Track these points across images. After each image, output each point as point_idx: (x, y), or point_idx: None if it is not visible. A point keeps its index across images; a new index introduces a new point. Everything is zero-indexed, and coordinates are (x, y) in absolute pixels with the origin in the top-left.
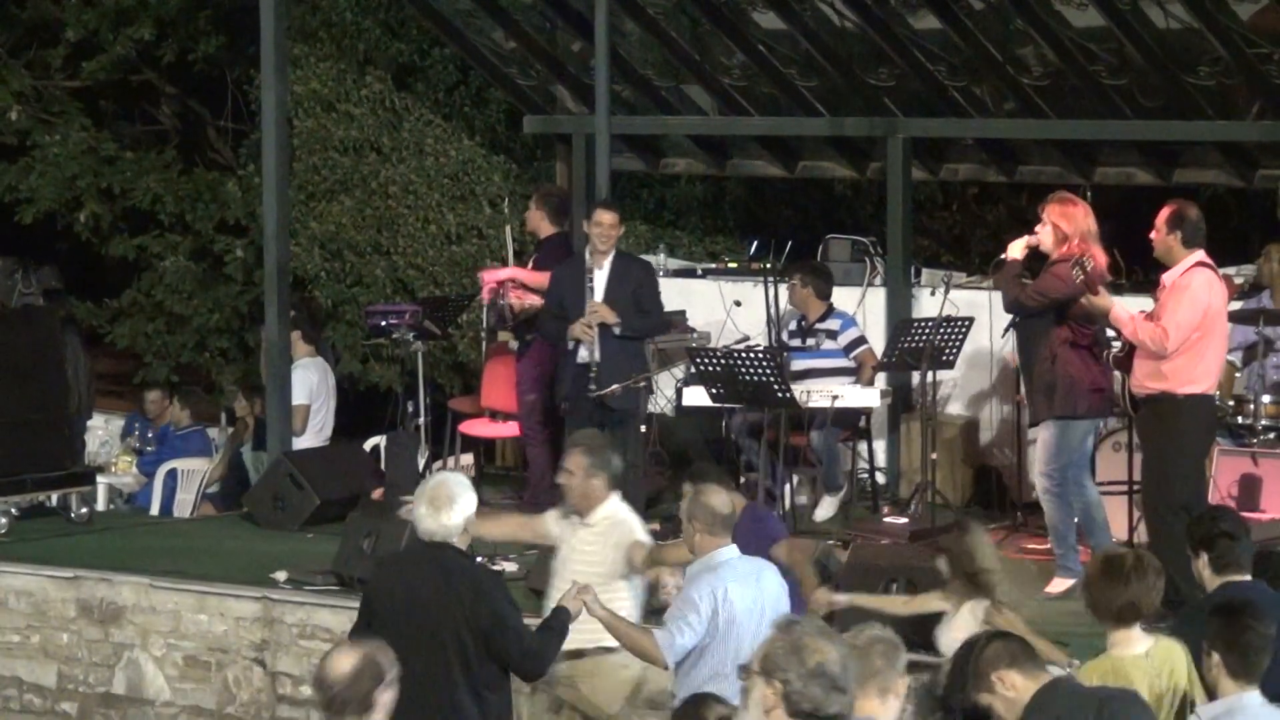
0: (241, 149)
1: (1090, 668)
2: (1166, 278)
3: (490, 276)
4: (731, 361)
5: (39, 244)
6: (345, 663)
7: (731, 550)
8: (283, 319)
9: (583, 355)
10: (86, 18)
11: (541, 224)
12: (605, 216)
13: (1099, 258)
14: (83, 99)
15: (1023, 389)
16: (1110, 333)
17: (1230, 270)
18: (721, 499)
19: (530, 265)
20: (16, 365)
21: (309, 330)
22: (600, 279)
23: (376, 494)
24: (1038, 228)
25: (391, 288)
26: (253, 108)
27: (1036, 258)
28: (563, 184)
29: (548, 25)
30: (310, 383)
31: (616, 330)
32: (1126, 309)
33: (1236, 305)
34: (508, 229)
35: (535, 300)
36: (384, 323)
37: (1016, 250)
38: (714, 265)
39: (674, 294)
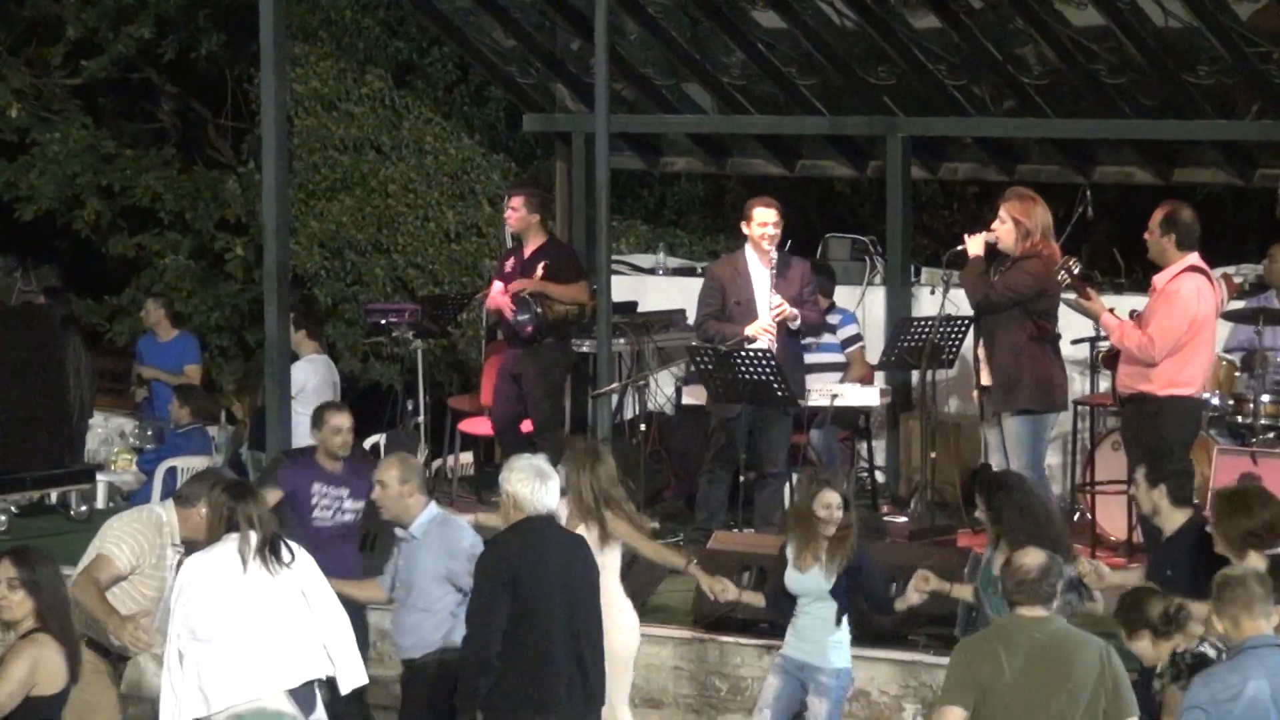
0: (241, 147)
1: None
2: (1158, 280)
3: (513, 289)
4: (731, 360)
5: (39, 242)
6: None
7: None
8: (282, 317)
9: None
10: (86, 16)
11: (534, 227)
12: (769, 215)
13: (1056, 254)
14: (82, 97)
15: (983, 381)
16: (1096, 332)
17: (1230, 269)
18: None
19: (540, 273)
20: (16, 363)
21: (313, 327)
22: (768, 278)
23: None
24: (994, 224)
25: (391, 286)
26: (253, 106)
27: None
28: (562, 182)
29: (547, 24)
30: (305, 380)
31: (794, 325)
32: (1115, 315)
33: (1239, 304)
34: (507, 227)
35: (561, 309)
36: (383, 321)
37: (976, 246)
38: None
39: (674, 292)
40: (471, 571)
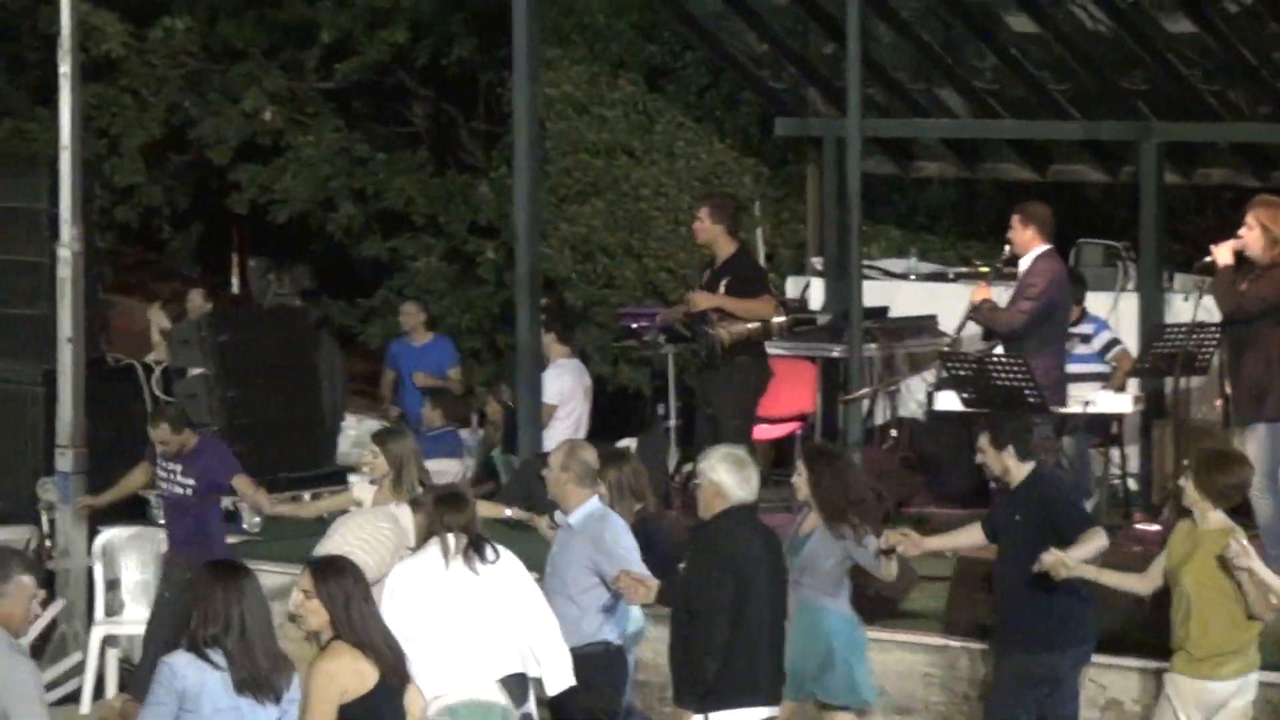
0: (494, 151)
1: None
2: None
3: (690, 307)
4: (984, 366)
5: (293, 245)
6: None
7: None
8: (533, 321)
9: None
10: (341, 20)
11: (720, 238)
12: None
13: None
14: (336, 100)
15: (1228, 389)
16: None
17: None
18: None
19: (723, 288)
20: (271, 364)
21: (563, 331)
22: None
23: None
24: (1242, 231)
25: (642, 290)
26: (505, 109)
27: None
28: (813, 186)
29: (799, 28)
30: (562, 384)
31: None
32: None
33: None
34: (759, 232)
35: (743, 327)
36: (634, 325)
37: (1224, 255)
38: (965, 269)
39: (925, 298)
40: (614, 568)
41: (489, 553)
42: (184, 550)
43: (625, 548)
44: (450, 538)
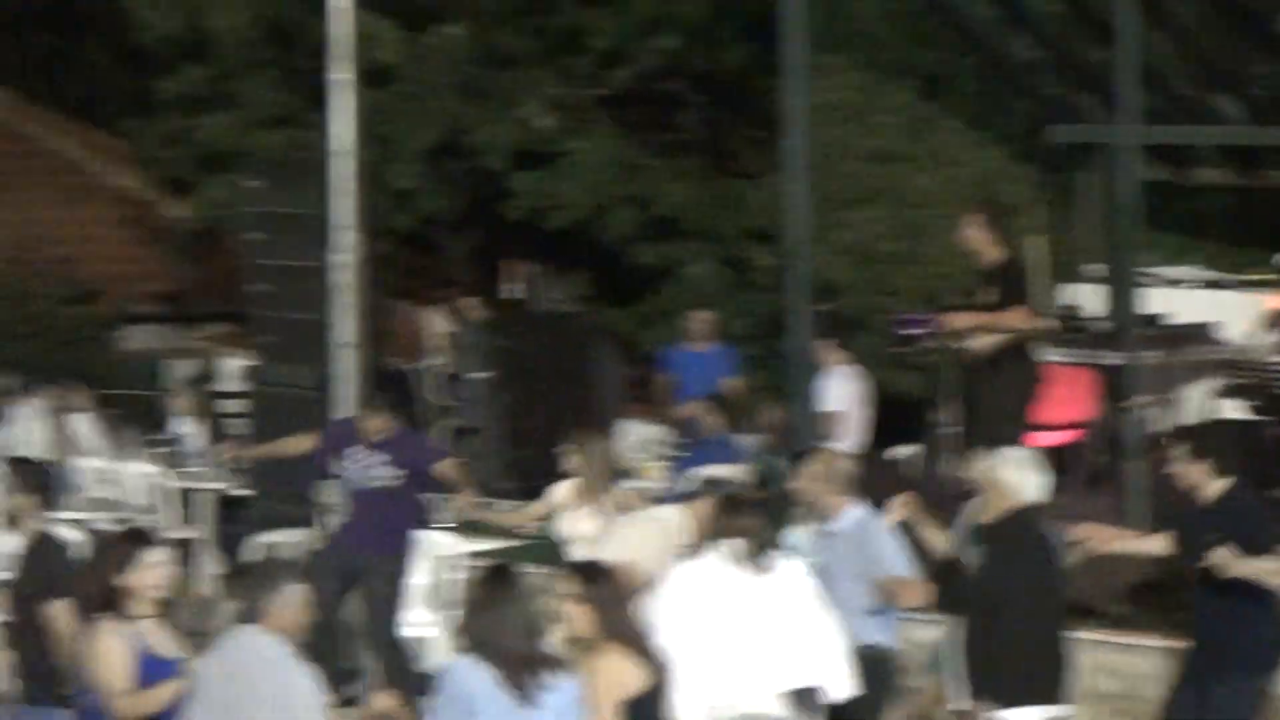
0: (767, 157)
1: None
2: None
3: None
4: (1266, 375)
5: (567, 250)
6: None
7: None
8: (808, 327)
9: None
10: (615, 27)
11: (989, 246)
12: None
13: None
14: (610, 107)
15: None
16: None
17: None
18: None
19: (991, 297)
20: (546, 370)
21: (840, 338)
22: None
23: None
24: None
25: (920, 297)
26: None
27: None
28: (1089, 193)
29: (1073, 34)
30: (845, 391)
31: None
32: None
33: None
34: (1032, 239)
35: (1001, 337)
36: (911, 332)
37: None
38: (1245, 277)
39: (1204, 305)
40: (882, 572)
41: (771, 559)
42: (376, 542)
43: (892, 551)
44: (733, 543)
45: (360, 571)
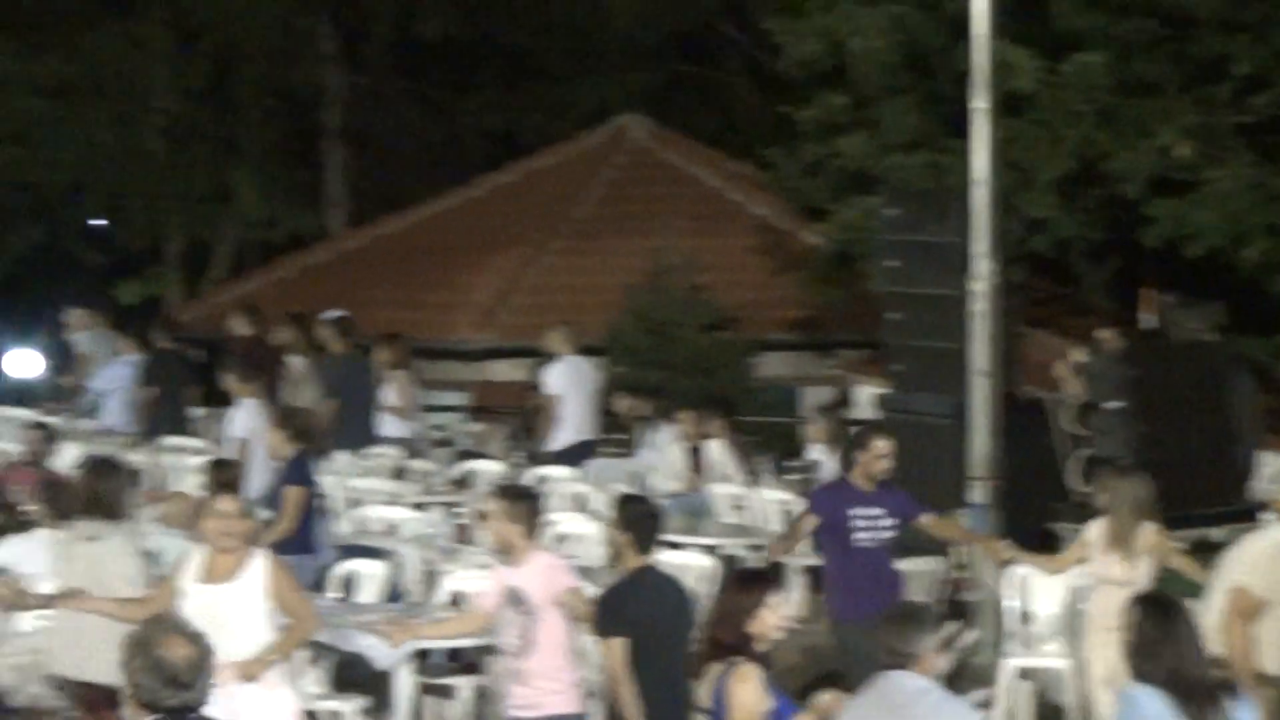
0: None
1: None
2: None
3: None
4: None
5: (1205, 280)
6: None
7: None
8: None
9: None
10: (1258, 51)
11: None
12: None
13: None
14: (1249, 134)
15: None
16: None
17: None
18: None
19: None
20: (1184, 400)
21: None
22: None
23: None
24: None
25: None
26: None
27: None
28: None
29: None
30: None
31: None
32: None
33: None
34: None
35: None
36: None
37: None
38: None
39: None
40: None
41: None
42: (875, 603)
43: None
44: None
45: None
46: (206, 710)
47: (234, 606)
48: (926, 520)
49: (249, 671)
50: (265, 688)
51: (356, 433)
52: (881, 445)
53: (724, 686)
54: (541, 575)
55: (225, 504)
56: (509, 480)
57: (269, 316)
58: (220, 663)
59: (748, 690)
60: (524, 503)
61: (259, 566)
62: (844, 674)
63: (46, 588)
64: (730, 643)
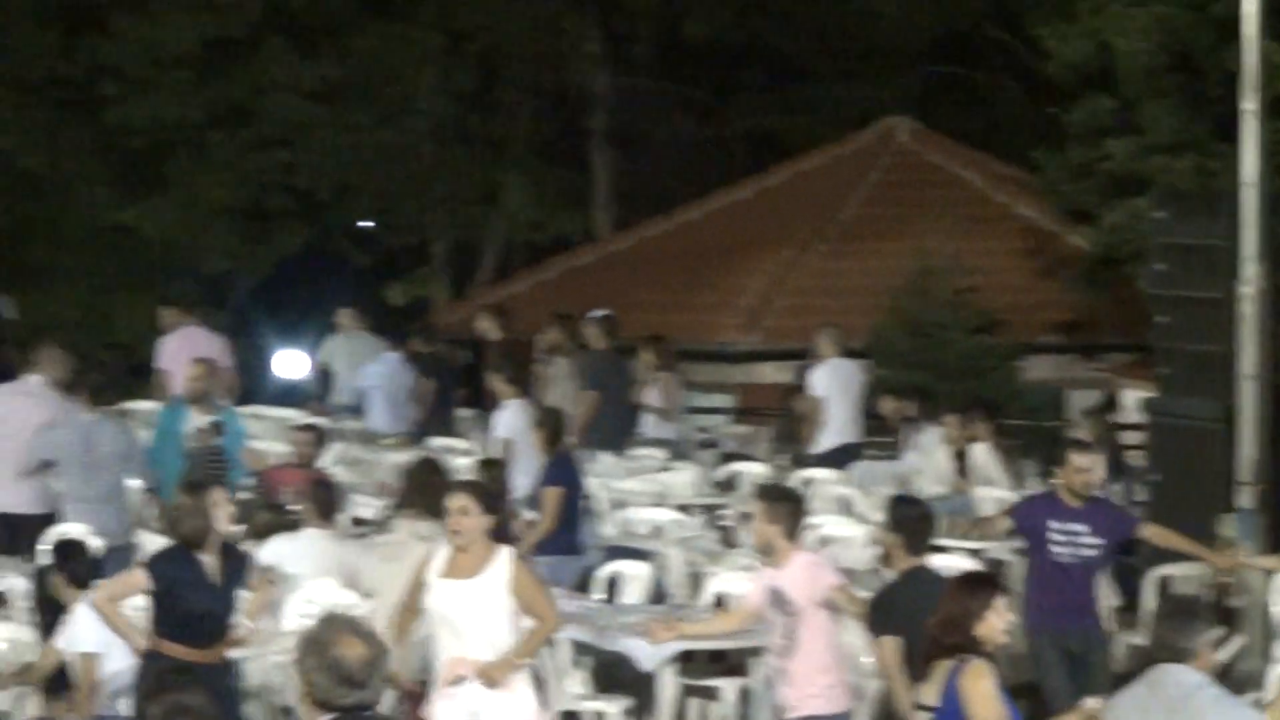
0: None
1: None
2: None
3: None
4: None
5: None
6: None
7: None
8: None
9: None
10: None
11: None
12: None
13: None
14: None
15: None
16: None
17: None
18: None
19: None
20: None
21: None
22: None
23: None
24: None
25: None
26: None
27: None
28: None
29: None
30: None
31: None
32: None
33: None
34: None
35: None
36: None
37: None
38: None
39: None
40: None
41: None
42: (1062, 619)
43: None
44: None
45: (1074, 647)
46: (381, 709)
47: (476, 602)
48: (1148, 532)
49: (492, 675)
50: (509, 689)
51: (610, 430)
52: (1080, 460)
53: (955, 684)
54: (803, 575)
55: (457, 501)
56: (772, 482)
57: (530, 319)
58: (462, 658)
59: (986, 685)
60: (785, 504)
61: (502, 563)
62: (1038, 685)
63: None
64: (957, 645)
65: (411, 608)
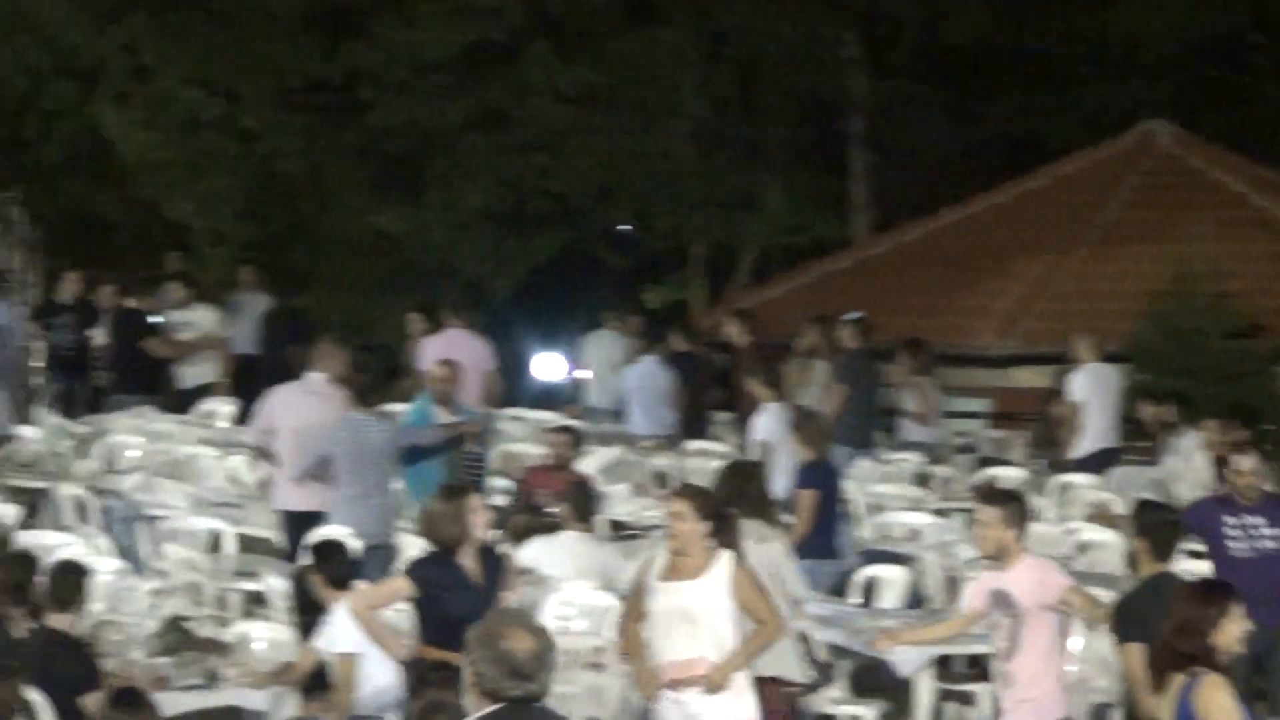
0: None
1: None
2: None
3: None
4: None
5: None
6: None
7: None
8: None
9: None
10: None
11: None
12: None
13: None
14: None
15: None
16: None
17: None
18: None
19: None
20: None
21: None
22: None
23: None
24: None
25: None
26: None
27: None
28: None
29: None
30: None
31: None
32: None
33: None
34: None
35: None
36: None
37: None
38: None
39: None
40: None
41: None
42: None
43: None
44: None
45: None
46: (549, 702)
47: (697, 604)
48: None
49: (714, 679)
50: (730, 693)
51: (855, 428)
52: (1241, 463)
53: (1191, 697)
54: (1030, 578)
55: (674, 505)
56: (989, 484)
57: (788, 323)
58: (685, 661)
59: (1224, 698)
60: (1017, 505)
61: (724, 566)
62: None
63: None
64: (1193, 654)
65: (635, 611)
